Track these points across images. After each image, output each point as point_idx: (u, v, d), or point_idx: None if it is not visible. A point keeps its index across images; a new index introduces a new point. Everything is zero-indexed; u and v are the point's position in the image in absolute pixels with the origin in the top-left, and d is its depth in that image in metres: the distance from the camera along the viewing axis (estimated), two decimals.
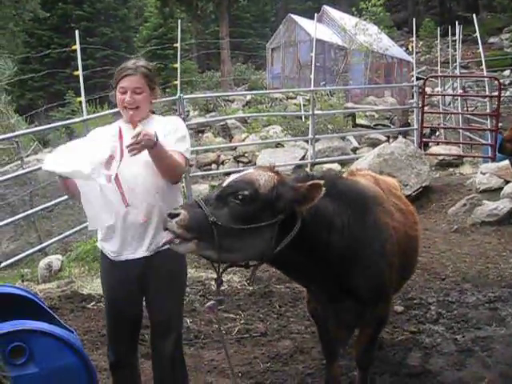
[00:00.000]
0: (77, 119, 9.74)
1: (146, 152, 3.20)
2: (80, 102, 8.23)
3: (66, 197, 8.09)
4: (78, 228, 8.15)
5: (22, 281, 7.17)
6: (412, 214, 4.25)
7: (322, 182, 3.06)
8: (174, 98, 11.09)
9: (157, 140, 3.19)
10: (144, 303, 3.72)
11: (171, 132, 3.53)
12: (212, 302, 3.29)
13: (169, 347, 3.65)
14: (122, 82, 3.51)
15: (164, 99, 15.76)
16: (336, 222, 3.34)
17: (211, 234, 2.96)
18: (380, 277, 3.57)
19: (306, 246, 3.22)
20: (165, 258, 3.49)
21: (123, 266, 3.51)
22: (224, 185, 3.16)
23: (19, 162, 9.92)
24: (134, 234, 3.49)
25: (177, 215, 2.96)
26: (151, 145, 3.16)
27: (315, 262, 3.33)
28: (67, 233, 7.87)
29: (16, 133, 10.75)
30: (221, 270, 3.20)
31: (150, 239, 3.49)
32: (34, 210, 8.42)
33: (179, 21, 11.54)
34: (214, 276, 3.29)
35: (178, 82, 10.83)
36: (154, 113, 3.71)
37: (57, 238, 7.76)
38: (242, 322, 5.74)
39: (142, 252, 3.50)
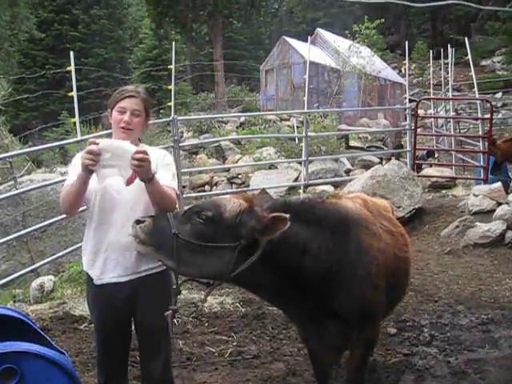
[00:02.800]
0: (71, 140, 9.75)
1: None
2: (74, 123, 8.24)
3: (59, 217, 8.09)
4: (70, 249, 8.11)
5: (14, 301, 7.13)
6: (402, 235, 4.25)
7: (286, 215, 3.12)
8: (167, 119, 11.13)
9: (154, 173, 3.26)
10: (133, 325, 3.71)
11: (165, 167, 3.58)
12: (169, 311, 3.32)
13: (158, 369, 3.66)
14: (122, 102, 3.53)
15: (158, 121, 15.83)
16: (311, 247, 3.36)
17: (171, 245, 3.13)
18: (363, 299, 3.57)
19: (275, 270, 3.29)
20: (152, 280, 3.52)
21: (110, 289, 3.50)
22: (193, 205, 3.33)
23: (12, 182, 9.89)
24: (118, 257, 3.49)
25: (143, 222, 3.19)
26: (149, 174, 3.23)
27: (289, 285, 3.37)
28: (60, 253, 7.83)
29: (10, 153, 10.76)
30: (179, 281, 3.32)
31: (135, 262, 3.51)
32: (26, 230, 8.38)
33: (173, 43, 11.61)
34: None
35: (171, 104, 10.87)
36: (140, 141, 3.73)
37: (49, 259, 7.72)
38: (234, 344, 5.70)
39: (128, 275, 3.50)
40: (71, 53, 8.64)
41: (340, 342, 3.73)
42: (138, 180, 3.26)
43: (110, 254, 3.49)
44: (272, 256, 3.21)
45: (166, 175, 3.51)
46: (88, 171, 3.18)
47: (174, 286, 3.32)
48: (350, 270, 3.49)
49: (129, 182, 3.24)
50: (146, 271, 3.51)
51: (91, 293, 3.63)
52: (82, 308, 6.72)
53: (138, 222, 3.19)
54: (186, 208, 3.43)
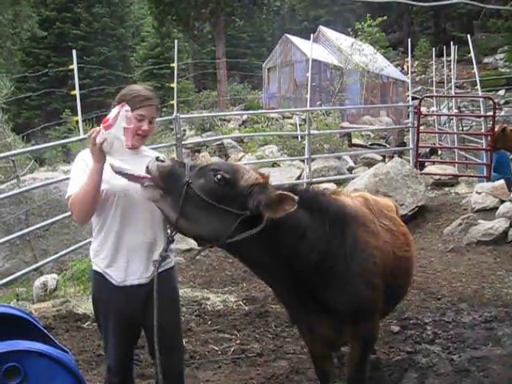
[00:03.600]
0: (74, 138, 9.76)
1: None
2: (77, 121, 8.24)
3: (62, 216, 8.09)
4: (73, 247, 8.13)
5: (17, 300, 7.14)
6: (404, 234, 4.25)
7: (295, 197, 3.13)
8: (170, 117, 11.13)
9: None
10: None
11: None
12: (157, 258, 3.37)
13: (178, 364, 3.72)
14: (141, 109, 3.49)
15: (161, 119, 15.78)
16: (309, 234, 3.39)
17: (179, 193, 3.11)
18: (357, 295, 3.57)
19: (270, 250, 3.29)
20: (165, 276, 3.51)
21: (131, 290, 3.49)
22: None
23: (15, 180, 9.90)
24: (141, 258, 3.49)
25: (162, 161, 3.18)
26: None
27: (280, 269, 3.38)
28: (63, 252, 7.85)
29: (12, 152, 10.75)
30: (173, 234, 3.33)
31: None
32: (29, 228, 8.40)
33: (176, 41, 11.62)
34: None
35: (174, 102, 10.88)
36: None
37: (52, 257, 7.74)
38: (237, 342, 5.71)
39: (149, 277, 3.48)
40: (73, 51, 8.64)
41: (332, 336, 3.73)
42: None
43: (132, 255, 3.47)
44: (271, 234, 3.22)
45: None
46: (100, 156, 3.20)
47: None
48: (344, 265, 3.50)
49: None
50: (161, 268, 3.47)
51: (106, 292, 3.54)
52: (85, 306, 6.73)
53: (158, 159, 3.18)
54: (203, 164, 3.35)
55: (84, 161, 3.45)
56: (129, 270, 3.48)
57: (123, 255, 3.47)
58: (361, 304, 3.62)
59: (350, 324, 3.64)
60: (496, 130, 11.49)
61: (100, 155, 3.19)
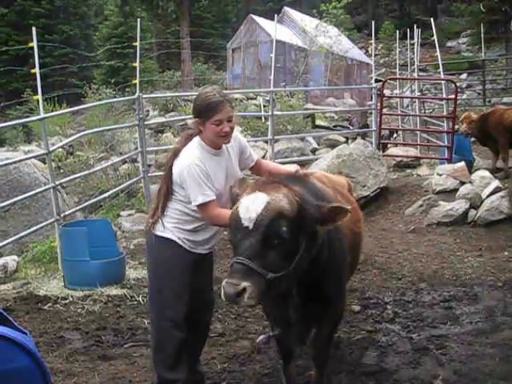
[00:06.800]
0: (34, 118, 9.58)
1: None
2: (38, 101, 8.08)
3: (22, 196, 7.97)
4: (34, 228, 8.00)
5: None
6: (356, 211, 4.32)
7: (348, 207, 3.18)
8: (133, 97, 11.02)
9: None
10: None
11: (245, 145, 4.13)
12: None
13: (209, 318, 4.49)
14: (216, 115, 3.73)
15: (123, 98, 15.64)
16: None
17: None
18: (343, 276, 3.65)
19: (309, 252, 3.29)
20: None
21: (196, 257, 4.02)
22: (251, 223, 3.07)
23: None
24: (212, 234, 4.04)
25: (243, 290, 2.99)
26: None
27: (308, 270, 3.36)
28: (23, 233, 7.73)
29: None
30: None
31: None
32: None
33: (139, 19, 11.46)
34: None
35: (137, 82, 10.75)
36: None
37: (12, 239, 7.61)
38: None
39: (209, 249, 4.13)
40: (33, 28, 8.44)
41: (315, 321, 3.78)
42: (235, 173, 3.94)
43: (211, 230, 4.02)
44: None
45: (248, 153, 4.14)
46: None
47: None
48: (332, 250, 3.53)
49: None
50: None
51: (177, 254, 3.96)
52: (46, 288, 6.68)
53: (238, 295, 2.99)
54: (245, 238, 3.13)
55: (199, 166, 3.77)
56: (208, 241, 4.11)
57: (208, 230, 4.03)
58: (341, 286, 3.72)
59: (333, 305, 3.72)
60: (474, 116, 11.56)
61: None
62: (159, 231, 3.97)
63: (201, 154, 3.81)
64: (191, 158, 3.76)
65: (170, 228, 3.92)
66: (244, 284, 2.97)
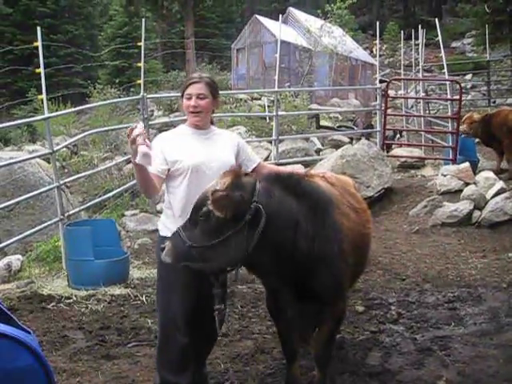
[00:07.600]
0: (38, 117, 9.61)
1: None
2: (42, 100, 8.08)
3: (26, 196, 7.98)
4: (38, 228, 8.01)
5: None
6: (365, 211, 4.31)
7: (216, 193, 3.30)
8: (137, 97, 11.02)
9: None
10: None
11: (244, 147, 4.11)
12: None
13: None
14: (188, 89, 3.94)
15: (127, 98, 15.64)
16: (301, 221, 3.46)
17: (193, 256, 3.36)
18: (338, 276, 3.65)
19: (276, 246, 3.39)
20: None
21: None
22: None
23: None
24: None
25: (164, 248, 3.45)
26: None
27: (284, 263, 3.46)
28: (27, 232, 7.74)
29: None
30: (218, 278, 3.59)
31: None
32: None
33: (144, 20, 11.46)
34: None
35: (141, 82, 10.75)
36: (212, 123, 4.14)
37: (17, 238, 7.63)
38: None
39: None
40: (38, 28, 8.46)
41: (314, 320, 3.80)
42: (223, 157, 3.85)
43: None
44: (273, 230, 3.35)
45: (247, 153, 4.11)
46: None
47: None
48: (327, 248, 3.57)
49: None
50: None
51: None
52: (50, 287, 6.69)
53: (162, 249, 3.48)
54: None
55: (161, 137, 4.04)
56: None
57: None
58: (340, 283, 3.72)
59: (330, 304, 3.72)
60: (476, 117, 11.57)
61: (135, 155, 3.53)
62: (160, 230, 4.04)
63: (180, 129, 4.06)
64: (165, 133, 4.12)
65: (168, 226, 3.94)
66: (167, 243, 3.45)
